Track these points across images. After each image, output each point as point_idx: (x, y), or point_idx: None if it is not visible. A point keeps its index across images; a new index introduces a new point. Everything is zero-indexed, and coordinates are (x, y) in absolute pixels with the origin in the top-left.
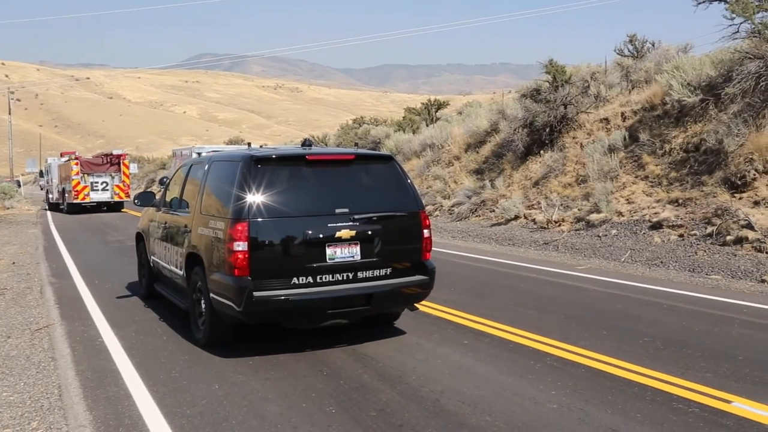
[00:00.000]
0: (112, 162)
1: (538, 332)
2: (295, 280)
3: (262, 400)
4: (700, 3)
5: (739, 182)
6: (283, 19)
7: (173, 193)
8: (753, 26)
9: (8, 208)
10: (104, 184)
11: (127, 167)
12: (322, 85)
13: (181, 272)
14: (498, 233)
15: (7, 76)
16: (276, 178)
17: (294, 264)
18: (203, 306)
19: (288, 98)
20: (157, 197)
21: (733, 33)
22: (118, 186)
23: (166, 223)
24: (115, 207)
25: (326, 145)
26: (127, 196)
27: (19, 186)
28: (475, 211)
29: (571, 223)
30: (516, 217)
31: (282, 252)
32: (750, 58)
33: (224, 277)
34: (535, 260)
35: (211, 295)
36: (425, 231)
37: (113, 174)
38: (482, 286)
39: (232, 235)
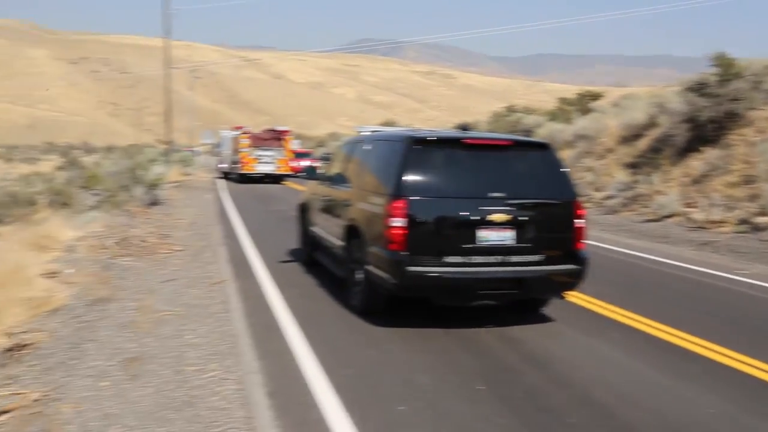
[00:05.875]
0: (277, 137)
1: (694, 334)
2: (447, 258)
3: (412, 369)
4: None
5: None
6: (440, 5)
7: (335, 168)
8: None
9: (187, 175)
10: (269, 157)
11: (289, 143)
12: (475, 72)
13: (339, 243)
14: (650, 229)
15: (189, 55)
16: (434, 159)
17: (447, 243)
18: (359, 276)
19: (441, 84)
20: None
21: None
22: (281, 160)
23: (327, 196)
24: (276, 179)
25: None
26: (289, 169)
27: (195, 155)
28: (627, 205)
29: (734, 224)
30: (671, 215)
31: (436, 230)
32: None
33: (381, 251)
34: (691, 260)
35: (368, 266)
36: (580, 220)
37: (277, 148)
38: (633, 282)
39: (391, 211)
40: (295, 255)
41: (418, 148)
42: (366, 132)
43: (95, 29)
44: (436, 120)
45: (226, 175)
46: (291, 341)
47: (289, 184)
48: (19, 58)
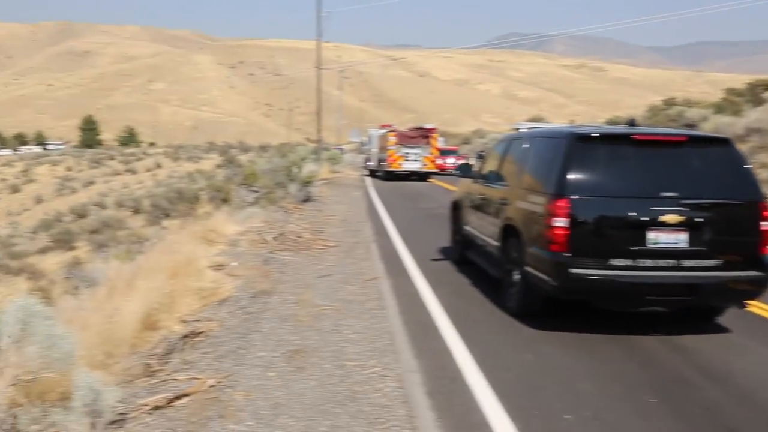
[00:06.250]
0: (424, 135)
1: None
2: (612, 261)
3: (574, 376)
4: None
5: None
6: None
7: (490, 166)
8: None
9: (336, 172)
10: (416, 155)
11: (436, 140)
12: (628, 64)
13: (495, 243)
14: None
15: (338, 56)
16: (599, 156)
17: (612, 245)
18: (516, 277)
19: (590, 78)
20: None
21: None
22: (427, 157)
23: (482, 194)
24: (422, 176)
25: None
26: (435, 167)
27: (343, 153)
28: None
29: None
30: None
31: (601, 231)
32: None
33: (541, 252)
34: None
35: (526, 267)
36: (765, 223)
37: (424, 146)
38: None
39: (552, 211)
40: (446, 253)
41: (582, 145)
42: (523, 129)
43: (253, 35)
44: (583, 115)
45: (373, 173)
46: (447, 341)
47: (436, 181)
48: (187, 64)
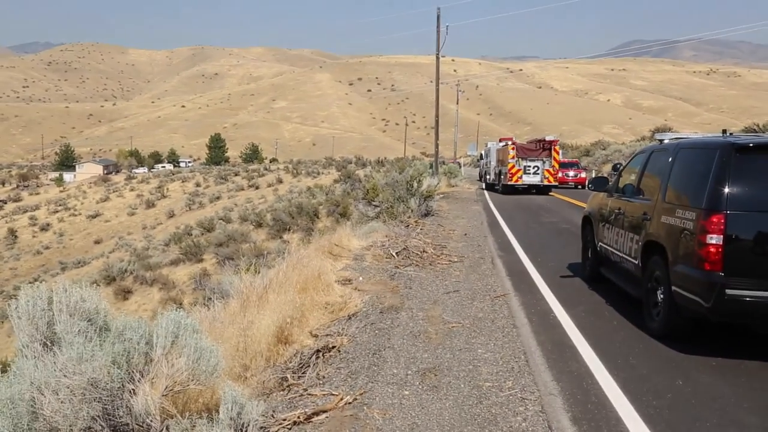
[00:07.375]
0: (545, 148)
1: None
2: None
3: (735, 407)
4: None
5: None
6: None
7: (626, 179)
8: None
9: (453, 186)
10: (536, 168)
11: (558, 153)
12: (765, 68)
13: (634, 260)
14: None
15: (454, 70)
16: (759, 168)
17: None
18: (660, 296)
19: (722, 84)
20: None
21: None
22: (548, 170)
23: (619, 209)
24: (543, 190)
25: None
26: (555, 180)
27: (460, 167)
28: None
29: None
30: None
31: (762, 249)
32: None
33: (691, 271)
34: None
35: (673, 287)
36: None
37: (544, 159)
38: None
39: (705, 226)
40: (575, 270)
41: (740, 156)
42: (667, 140)
43: (371, 52)
44: (714, 124)
45: (490, 187)
46: (587, 363)
47: (557, 195)
48: (308, 82)
